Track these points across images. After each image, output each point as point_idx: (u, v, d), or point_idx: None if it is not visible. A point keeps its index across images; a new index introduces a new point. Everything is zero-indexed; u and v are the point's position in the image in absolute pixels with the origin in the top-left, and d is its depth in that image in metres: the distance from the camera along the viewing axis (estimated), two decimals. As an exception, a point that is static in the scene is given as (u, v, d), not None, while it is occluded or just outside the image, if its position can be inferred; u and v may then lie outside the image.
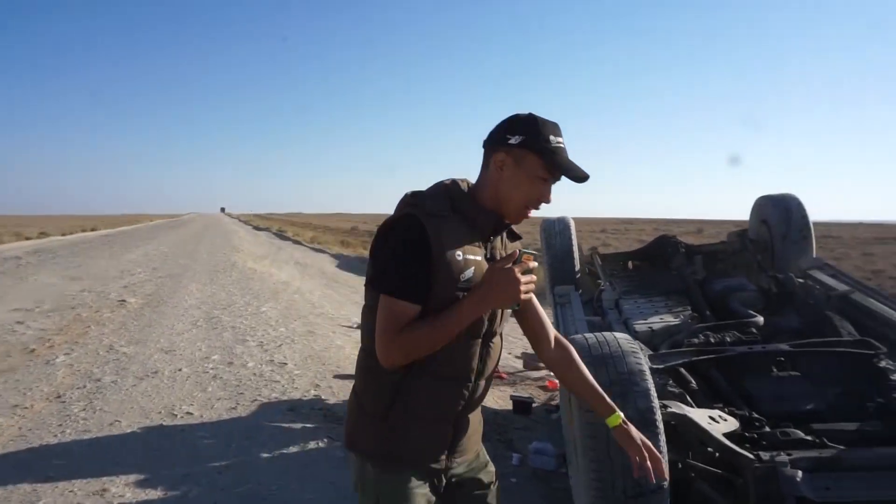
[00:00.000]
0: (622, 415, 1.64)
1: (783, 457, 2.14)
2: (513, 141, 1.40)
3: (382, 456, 1.52)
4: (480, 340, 1.52)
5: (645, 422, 2.04)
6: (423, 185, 1.50)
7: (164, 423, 4.34)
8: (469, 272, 1.38)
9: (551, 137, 1.40)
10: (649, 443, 1.57)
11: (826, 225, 45.32)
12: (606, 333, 2.31)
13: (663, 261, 4.98)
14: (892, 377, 2.75)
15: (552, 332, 1.73)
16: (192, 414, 4.54)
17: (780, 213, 4.68)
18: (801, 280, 4.25)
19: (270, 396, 4.98)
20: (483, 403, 1.63)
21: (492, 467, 1.72)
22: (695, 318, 3.86)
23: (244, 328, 7.71)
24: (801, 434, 2.36)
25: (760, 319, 3.69)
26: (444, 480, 1.59)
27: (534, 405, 4.75)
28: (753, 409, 2.76)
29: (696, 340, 3.40)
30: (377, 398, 1.51)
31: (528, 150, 1.39)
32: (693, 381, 2.98)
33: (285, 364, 5.99)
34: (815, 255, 4.57)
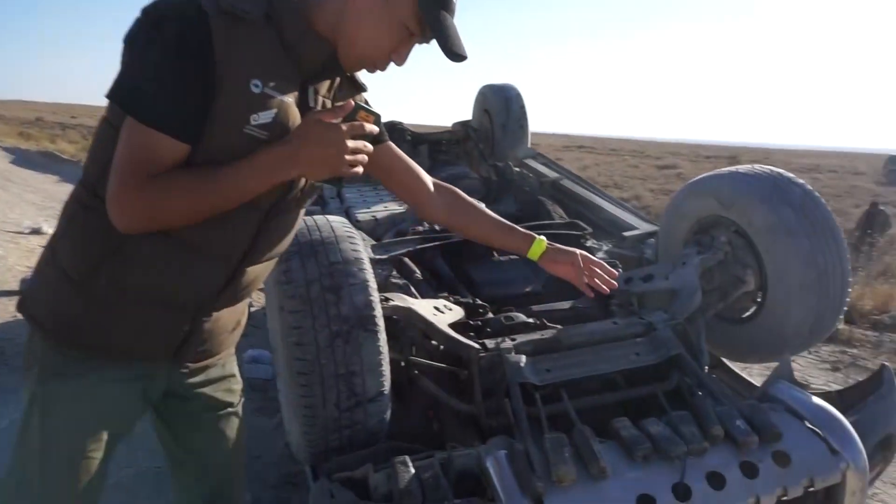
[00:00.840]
0: (545, 239, 1.57)
1: (508, 343, 2.00)
2: None
3: (61, 328, 1.09)
4: (262, 214, 1.09)
5: (362, 319, 1.68)
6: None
7: None
8: (268, 115, 0.95)
9: None
10: (591, 256, 1.54)
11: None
12: (317, 217, 1.86)
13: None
14: (596, 255, 2.84)
15: (429, 179, 1.50)
16: None
17: (500, 102, 4.67)
18: (518, 169, 4.33)
19: None
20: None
21: (237, 384, 1.41)
22: (420, 205, 3.65)
23: None
24: (523, 317, 2.25)
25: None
26: (167, 388, 1.23)
27: (252, 308, 4.23)
28: (477, 295, 2.64)
29: (420, 228, 3.18)
30: (78, 253, 1.04)
31: None
32: (418, 272, 2.75)
33: None
34: (529, 146, 4.70)
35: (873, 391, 1.92)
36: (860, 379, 2.18)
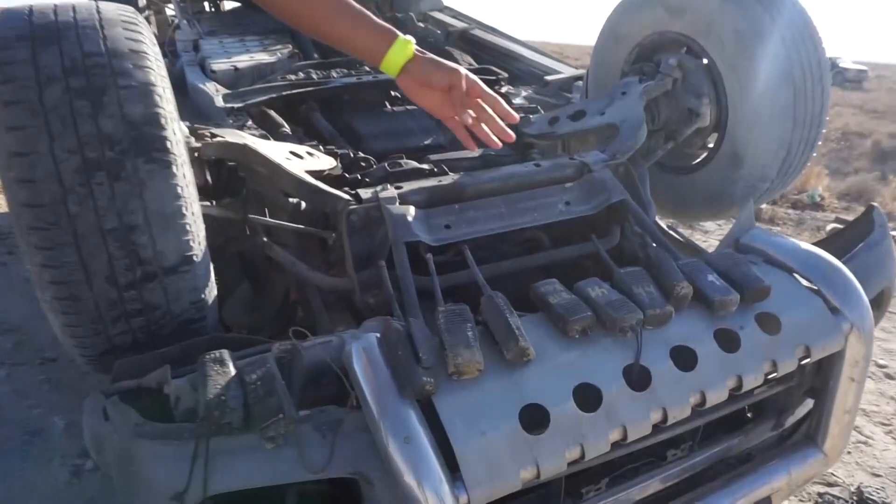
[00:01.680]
0: (413, 42, 1.17)
1: (390, 191, 1.41)
2: None
3: None
4: None
5: (141, 140, 1.04)
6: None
7: None
8: None
9: None
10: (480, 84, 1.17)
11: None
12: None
13: (264, 1, 3.85)
14: (514, 101, 2.26)
15: None
16: None
17: (398, -58, 3.87)
18: (422, 25, 3.62)
19: None
20: None
21: None
22: (296, 55, 2.92)
23: None
24: (414, 164, 1.67)
25: None
26: None
27: None
28: (364, 149, 2.02)
29: (292, 77, 2.48)
30: None
31: None
32: (286, 126, 2.09)
33: None
34: (435, -2, 3.97)
35: (863, 238, 1.48)
36: None
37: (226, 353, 1.05)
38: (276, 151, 1.49)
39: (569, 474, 1.06)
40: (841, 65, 25.01)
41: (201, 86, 2.43)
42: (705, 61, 1.77)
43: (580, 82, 2.38)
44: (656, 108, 1.84)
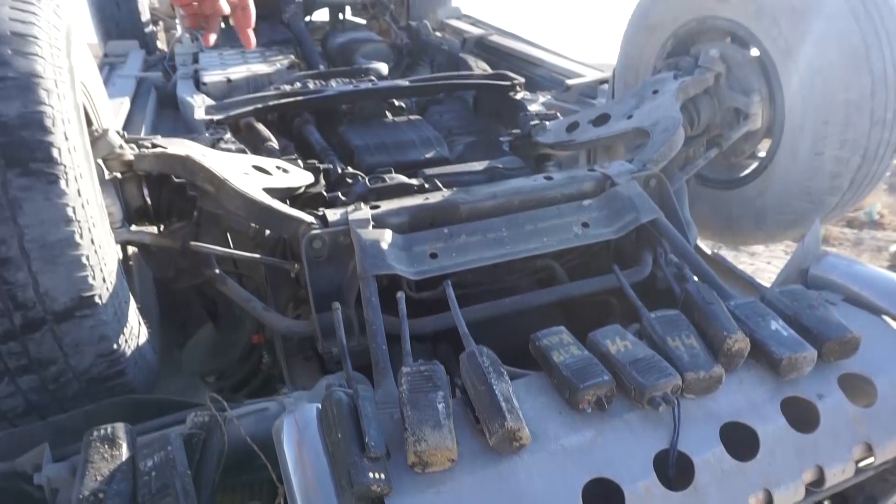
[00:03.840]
0: None
1: (364, 211, 1.15)
2: None
3: None
4: None
5: (16, 147, 0.80)
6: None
7: None
8: None
9: None
10: None
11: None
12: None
13: (273, 12, 3.68)
14: (528, 109, 1.98)
15: None
16: None
17: (414, -51, 3.67)
18: (438, 33, 3.40)
19: None
20: None
21: None
22: (296, 65, 2.71)
23: None
24: (401, 178, 1.41)
25: (383, 67, 2.69)
26: None
27: None
28: (356, 164, 1.78)
29: (287, 88, 2.25)
30: None
31: None
32: (273, 140, 1.85)
33: None
34: (454, 5, 3.74)
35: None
36: None
37: (121, 429, 0.79)
38: (232, 165, 1.24)
39: None
40: None
41: (188, 98, 2.23)
42: (755, 52, 1.47)
43: (605, 85, 2.10)
44: (695, 109, 1.54)
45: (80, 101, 1.00)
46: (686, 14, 1.57)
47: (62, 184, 0.83)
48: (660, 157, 1.34)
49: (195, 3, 1.09)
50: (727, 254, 2.00)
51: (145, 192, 1.19)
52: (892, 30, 1.28)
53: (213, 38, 1.13)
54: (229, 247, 1.34)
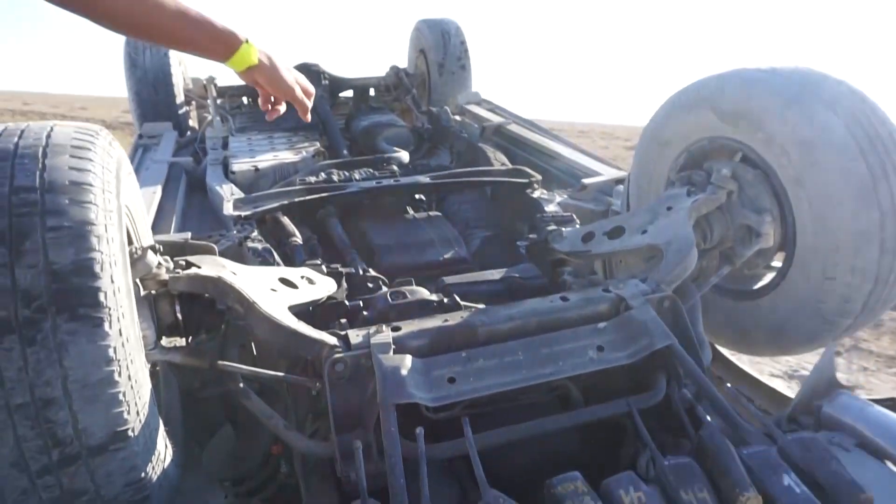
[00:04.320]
0: (254, 47, 1.15)
1: (386, 334, 1.19)
2: None
3: None
4: None
5: (68, 294, 0.86)
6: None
7: None
8: None
9: None
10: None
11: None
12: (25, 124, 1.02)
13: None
14: (545, 209, 2.05)
15: None
16: None
17: (436, 38, 3.85)
18: (458, 118, 3.52)
19: None
20: None
21: None
22: (321, 154, 2.82)
23: None
24: (424, 293, 1.45)
25: (404, 155, 2.80)
26: None
27: None
28: (376, 265, 1.84)
29: (312, 179, 2.35)
30: None
31: None
32: (297, 235, 1.92)
33: None
34: (474, 90, 3.89)
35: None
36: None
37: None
38: (261, 281, 1.30)
39: None
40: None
41: (217, 188, 2.33)
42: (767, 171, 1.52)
43: (621, 186, 2.16)
44: (708, 225, 1.59)
45: (124, 231, 1.07)
46: (697, 133, 1.64)
47: (106, 326, 0.89)
48: (673, 278, 1.38)
49: (273, 93, 1.25)
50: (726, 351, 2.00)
51: (177, 308, 1.24)
52: (897, 162, 1.33)
53: (275, 114, 1.32)
54: (254, 356, 1.39)
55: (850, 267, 1.35)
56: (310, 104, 1.33)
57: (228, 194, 2.23)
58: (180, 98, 3.53)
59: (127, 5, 0.99)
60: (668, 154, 1.75)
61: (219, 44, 1.12)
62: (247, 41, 1.15)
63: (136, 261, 1.16)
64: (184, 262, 1.24)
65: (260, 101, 1.31)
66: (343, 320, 1.39)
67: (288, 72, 1.26)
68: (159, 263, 1.21)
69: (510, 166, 2.52)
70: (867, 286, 1.35)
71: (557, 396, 1.34)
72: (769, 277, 1.60)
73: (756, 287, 1.63)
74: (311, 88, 1.33)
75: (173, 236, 1.84)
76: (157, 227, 2.17)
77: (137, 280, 1.17)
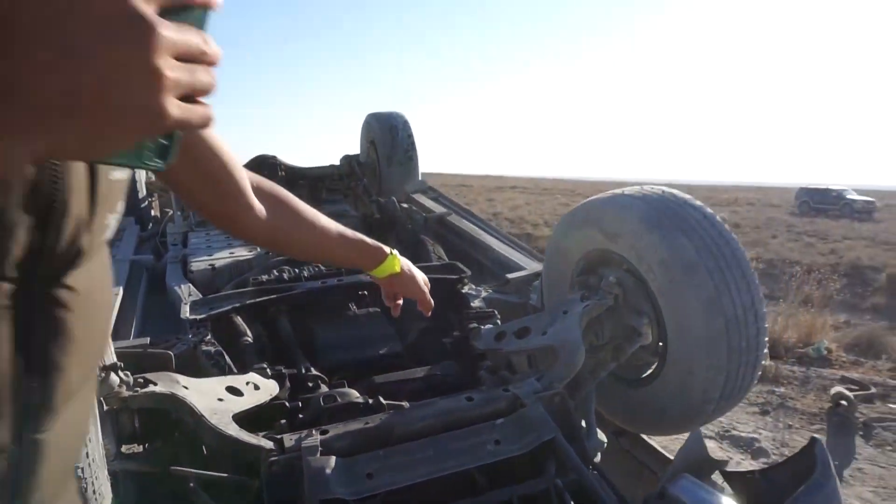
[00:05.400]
0: (399, 256, 1.24)
1: (315, 437, 1.41)
2: None
3: None
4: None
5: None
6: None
7: None
8: None
9: None
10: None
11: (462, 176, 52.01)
12: None
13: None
14: (472, 304, 2.32)
15: (245, 177, 0.92)
16: None
17: (384, 132, 4.19)
18: (405, 205, 3.82)
19: None
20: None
21: None
22: (274, 249, 3.06)
23: None
24: (354, 394, 1.68)
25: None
26: None
27: None
28: (320, 360, 2.06)
29: (264, 278, 2.58)
30: None
31: None
32: (249, 335, 2.15)
33: None
34: (420, 179, 4.22)
35: (806, 474, 1.43)
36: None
37: None
38: (210, 392, 1.52)
39: None
40: (848, 196, 25.53)
41: (176, 288, 2.54)
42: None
43: (538, 282, 2.45)
44: (600, 325, 1.87)
45: None
46: (590, 245, 1.94)
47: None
48: (563, 376, 1.64)
49: (403, 294, 1.29)
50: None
51: (135, 420, 1.45)
52: (738, 278, 1.63)
53: (398, 310, 1.32)
54: (204, 456, 1.59)
55: (706, 365, 1.63)
56: (430, 299, 1.32)
57: (186, 296, 2.44)
58: (143, 193, 3.76)
59: (305, 241, 1.09)
60: (570, 259, 2.05)
61: (368, 258, 1.19)
62: (391, 253, 1.21)
63: (101, 382, 1.37)
64: (142, 380, 1.46)
65: (384, 296, 1.31)
66: (283, 421, 1.61)
67: (418, 274, 1.30)
68: (120, 382, 1.42)
69: (445, 261, 2.80)
70: (721, 379, 1.64)
71: (467, 482, 1.56)
72: (652, 368, 1.88)
73: (643, 376, 1.90)
74: (428, 283, 1.33)
75: (133, 343, 2.04)
76: (117, 329, 2.36)
77: (101, 398, 1.38)
